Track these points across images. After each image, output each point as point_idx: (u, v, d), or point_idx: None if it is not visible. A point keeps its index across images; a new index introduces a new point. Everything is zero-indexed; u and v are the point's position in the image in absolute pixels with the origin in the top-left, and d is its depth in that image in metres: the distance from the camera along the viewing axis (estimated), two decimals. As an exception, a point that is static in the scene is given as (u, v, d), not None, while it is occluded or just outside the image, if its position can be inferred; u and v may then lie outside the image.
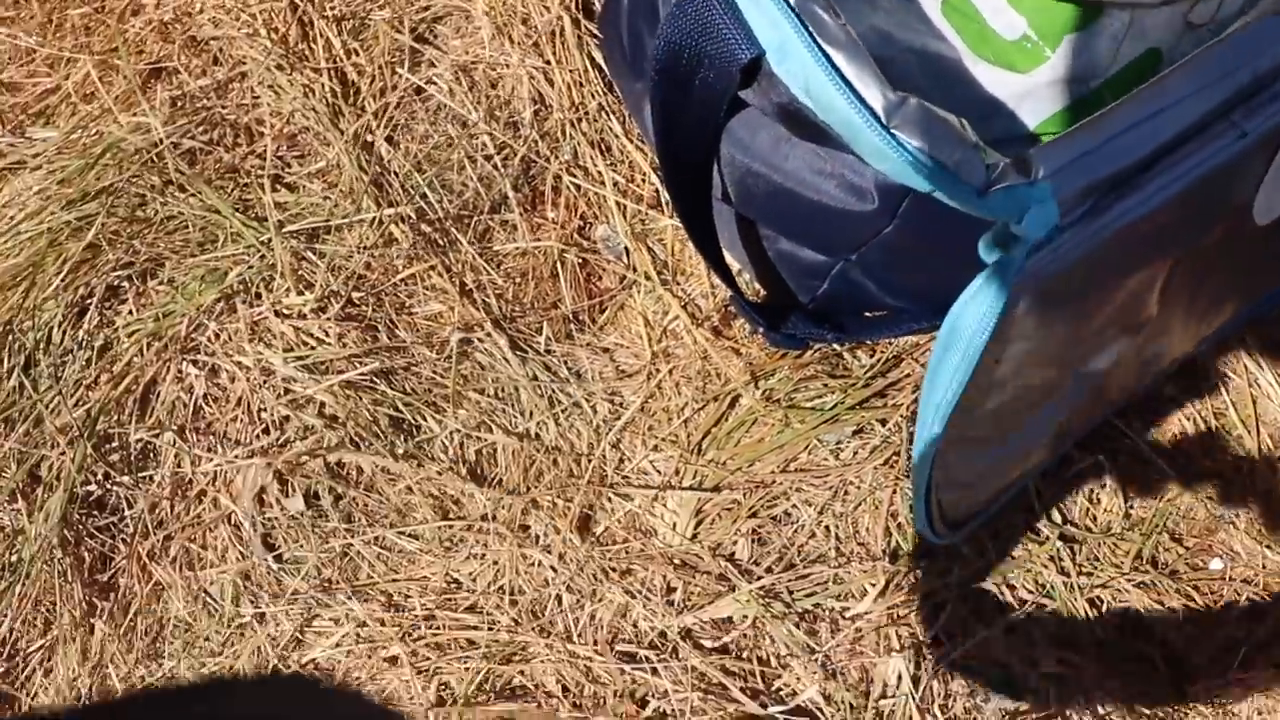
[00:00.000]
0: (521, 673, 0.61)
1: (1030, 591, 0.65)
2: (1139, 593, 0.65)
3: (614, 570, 0.63)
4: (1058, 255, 0.45)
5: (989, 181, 0.43)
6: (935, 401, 0.50)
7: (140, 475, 0.63)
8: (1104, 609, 0.65)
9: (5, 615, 0.61)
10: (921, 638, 0.64)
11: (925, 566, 0.65)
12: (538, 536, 0.64)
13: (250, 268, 0.64)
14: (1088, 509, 0.66)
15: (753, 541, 0.65)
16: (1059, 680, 0.63)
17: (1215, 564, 0.68)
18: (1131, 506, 0.67)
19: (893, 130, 0.44)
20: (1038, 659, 0.63)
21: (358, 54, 0.67)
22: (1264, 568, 0.67)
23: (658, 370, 0.66)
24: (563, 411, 0.65)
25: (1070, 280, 0.47)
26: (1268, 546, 0.67)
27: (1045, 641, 0.64)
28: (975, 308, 0.45)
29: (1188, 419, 0.68)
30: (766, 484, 0.65)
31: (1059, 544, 0.65)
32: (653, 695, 0.61)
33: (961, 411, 0.54)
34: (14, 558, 0.62)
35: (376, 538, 0.63)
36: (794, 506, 0.65)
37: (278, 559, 0.63)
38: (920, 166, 0.44)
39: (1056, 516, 0.66)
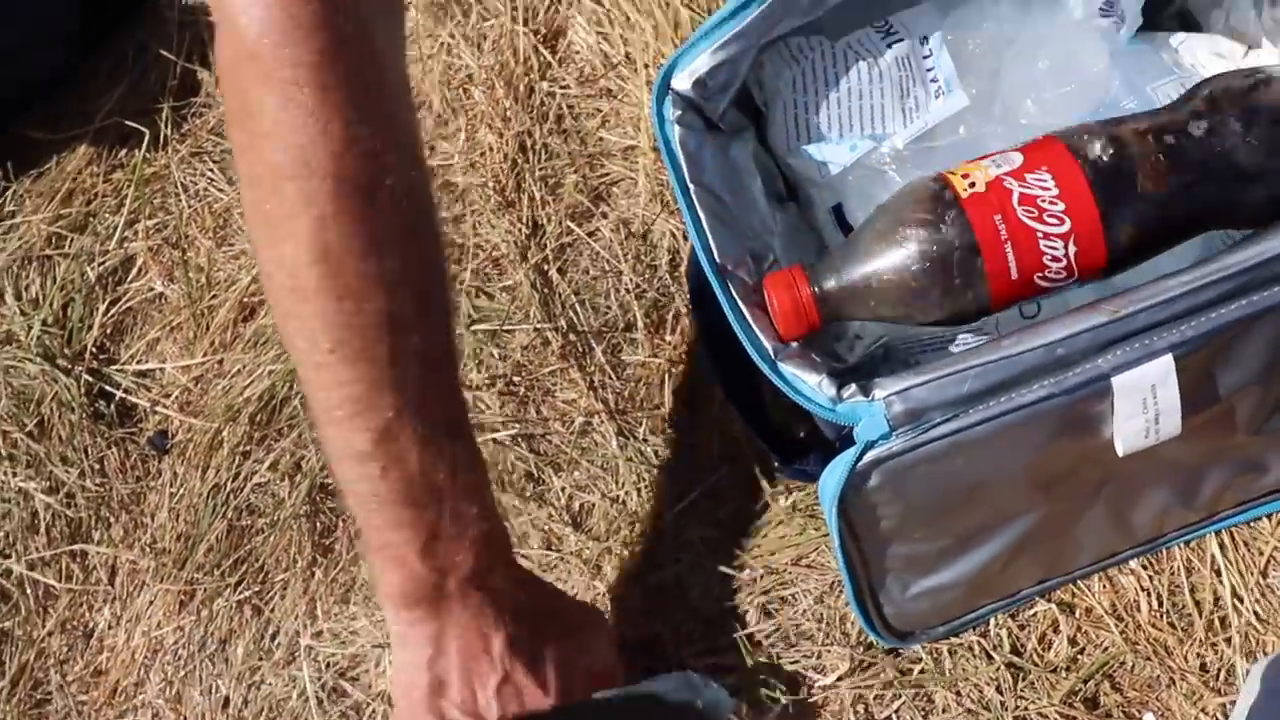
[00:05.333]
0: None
1: (972, 703, 0.80)
2: (1067, 723, 0.79)
3: (655, 610, 0.86)
4: (894, 452, 0.63)
5: (839, 398, 0.62)
6: (833, 546, 0.69)
7: (360, 477, 0.93)
8: (1032, 729, 0.80)
9: (266, 551, 0.93)
10: (876, 717, 0.81)
11: (890, 663, 0.82)
12: (607, 574, 0.87)
13: (448, 350, 0.92)
14: (1038, 648, 0.81)
15: (760, 612, 0.85)
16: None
17: (1148, 716, 0.79)
18: (1080, 653, 0.80)
19: (779, 364, 0.64)
20: (962, 755, 0.79)
21: (549, 204, 0.94)
22: (1193, 729, 0.78)
23: (720, 470, 0.88)
24: (645, 487, 0.89)
25: (918, 469, 0.64)
26: (1202, 710, 0.79)
27: (970, 742, 0.79)
28: (831, 479, 0.64)
29: (1144, 590, 0.80)
30: (779, 571, 0.85)
31: (1005, 670, 0.80)
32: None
33: (871, 552, 0.72)
34: (278, 516, 0.93)
35: (499, 552, 0.89)
36: (797, 593, 0.84)
37: (432, 552, 0.90)
38: (794, 390, 0.63)
39: (1008, 647, 0.81)
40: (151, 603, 0.93)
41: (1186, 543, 0.80)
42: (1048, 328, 0.61)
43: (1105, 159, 0.63)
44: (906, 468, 0.64)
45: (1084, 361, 0.61)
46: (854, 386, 0.62)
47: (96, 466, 0.96)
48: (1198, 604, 0.80)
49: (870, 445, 0.63)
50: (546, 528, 0.89)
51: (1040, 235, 0.63)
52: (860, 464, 0.63)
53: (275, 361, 0.95)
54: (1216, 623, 0.80)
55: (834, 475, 0.64)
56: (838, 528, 0.67)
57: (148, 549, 0.94)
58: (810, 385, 0.63)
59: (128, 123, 1.03)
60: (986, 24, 0.75)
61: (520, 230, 0.94)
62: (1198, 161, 0.62)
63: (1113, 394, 0.62)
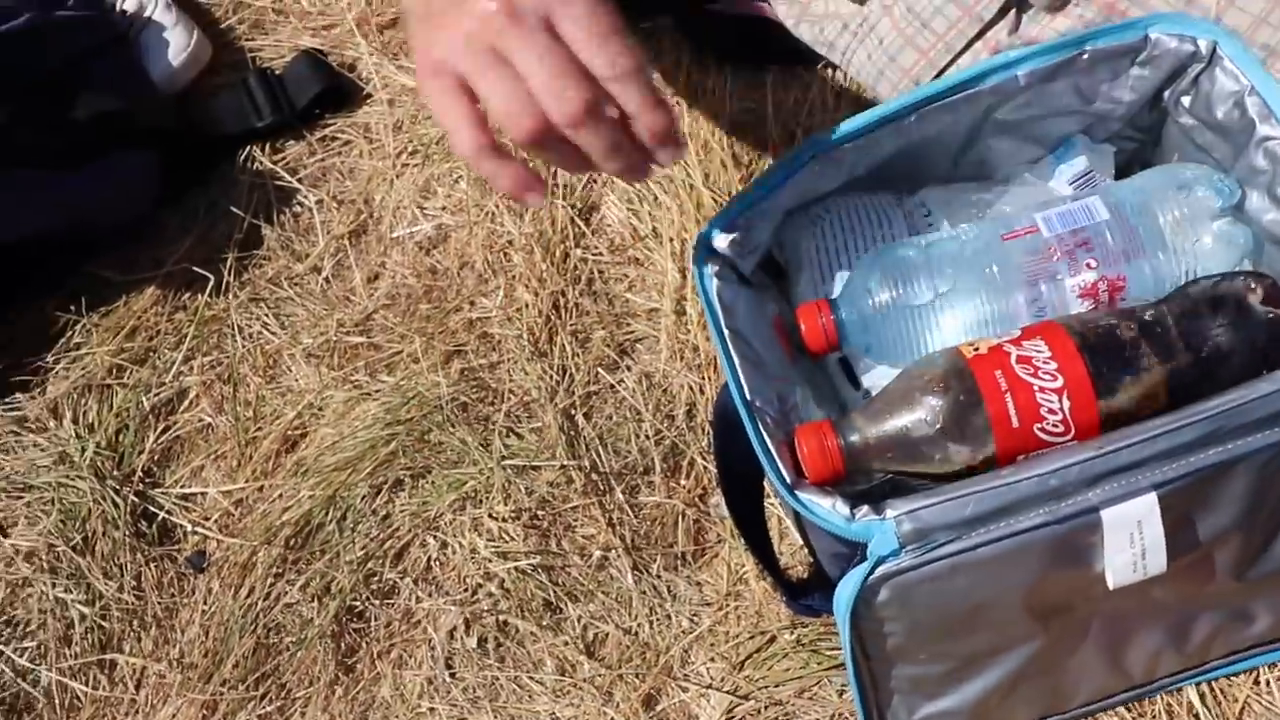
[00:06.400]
0: (584, 793, 0.89)
1: (966, 834, 0.84)
2: None
3: (663, 738, 0.90)
4: (902, 568, 0.69)
5: (852, 517, 0.69)
6: (845, 659, 0.75)
7: (386, 602, 0.98)
8: None
9: (290, 669, 0.97)
10: (873, 846, 0.85)
11: (887, 793, 0.86)
12: (618, 702, 0.92)
13: (479, 482, 0.99)
14: (1028, 782, 0.85)
15: (764, 742, 0.89)
16: None
17: None
18: (1067, 790, 0.85)
19: (797, 492, 0.71)
20: None
21: (579, 355, 1.03)
22: None
23: (728, 605, 0.94)
24: (656, 619, 0.94)
25: (923, 586, 0.70)
26: None
27: None
28: (845, 591, 0.71)
29: (1127, 732, 0.86)
30: (782, 702, 0.90)
31: (997, 803, 0.84)
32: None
33: (879, 671, 0.77)
34: (304, 635, 0.98)
35: (515, 677, 0.94)
36: (800, 724, 0.89)
37: (451, 675, 0.95)
38: (811, 513, 0.70)
39: (1000, 781, 0.85)
40: (174, 716, 0.96)
41: (1170, 690, 0.86)
42: (1042, 460, 0.69)
43: (1093, 334, 0.72)
44: (913, 585, 0.70)
45: (1075, 494, 0.68)
46: (866, 507, 0.69)
47: (134, 582, 1.01)
48: (1175, 747, 0.85)
49: (881, 560, 0.69)
50: (562, 655, 0.94)
51: (1036, 389, 0.71)
52: (871, 578, 0.69)
53: (314, 489, 1.01)
54: (1194, 767, 0.85)
55: (848, 586, 0.70)
56: (850, 641, 0.73)
57: (175, 662, 0.98)
58: (825, 508, 0.70)
59: (195, 269, 1.12)
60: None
61: (551, 377, 1.02)
62: (1173, 342, 0.71)
63: (1102, 527, 0.69)
